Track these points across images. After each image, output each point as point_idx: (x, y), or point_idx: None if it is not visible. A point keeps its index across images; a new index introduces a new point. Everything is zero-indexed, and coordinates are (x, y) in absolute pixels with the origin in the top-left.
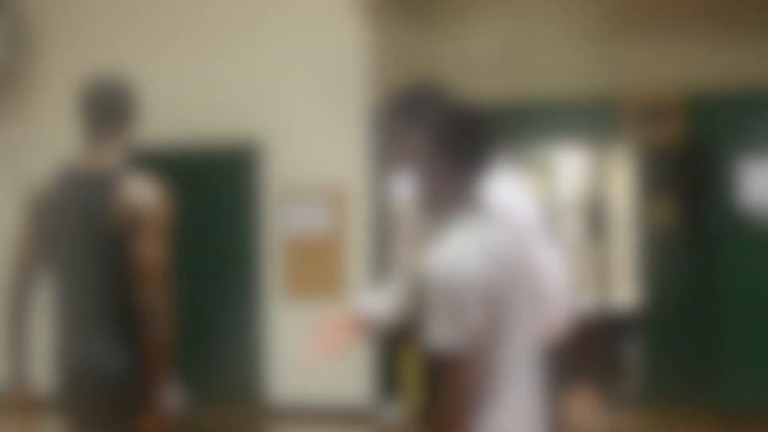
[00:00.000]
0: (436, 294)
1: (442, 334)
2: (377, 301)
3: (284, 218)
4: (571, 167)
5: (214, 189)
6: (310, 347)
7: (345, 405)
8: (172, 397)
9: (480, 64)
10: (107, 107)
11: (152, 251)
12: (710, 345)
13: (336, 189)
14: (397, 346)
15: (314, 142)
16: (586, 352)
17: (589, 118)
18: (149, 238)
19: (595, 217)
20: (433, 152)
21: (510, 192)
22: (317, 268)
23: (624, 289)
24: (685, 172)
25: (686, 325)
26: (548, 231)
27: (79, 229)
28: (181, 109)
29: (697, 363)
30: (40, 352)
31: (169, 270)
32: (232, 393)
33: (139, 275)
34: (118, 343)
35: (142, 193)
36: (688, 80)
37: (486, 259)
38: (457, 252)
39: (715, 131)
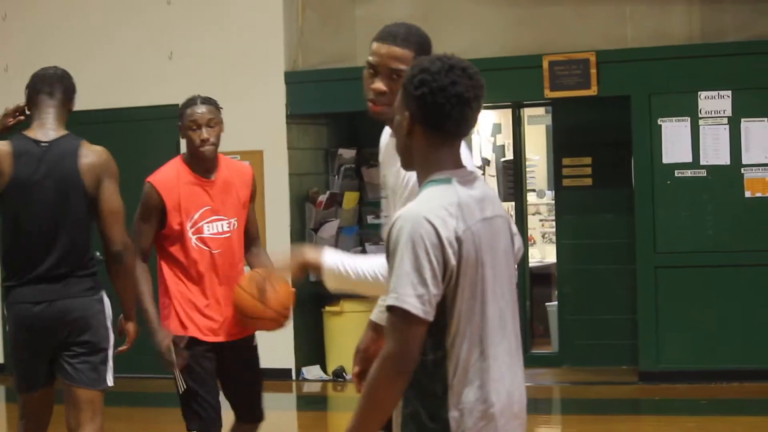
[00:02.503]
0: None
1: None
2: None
3: None
4: (489, 125)
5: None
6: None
7: (270, 368)
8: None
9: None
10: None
11: (116, 199)
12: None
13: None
14: (320, 307)
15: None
16: None
17: (508, 77)
18: (111, 188)
19: (513, 175)
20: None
21: None
22: None
23: (542, 249)
24: (602, 129)
25: (608, 283)
26: None
27: (50, 185)
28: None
29: (616, 323)
30: None
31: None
32: None
33: (107, 218)
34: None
35: (101, 154)
36: (603, 37)
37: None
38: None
39: (630, 86)
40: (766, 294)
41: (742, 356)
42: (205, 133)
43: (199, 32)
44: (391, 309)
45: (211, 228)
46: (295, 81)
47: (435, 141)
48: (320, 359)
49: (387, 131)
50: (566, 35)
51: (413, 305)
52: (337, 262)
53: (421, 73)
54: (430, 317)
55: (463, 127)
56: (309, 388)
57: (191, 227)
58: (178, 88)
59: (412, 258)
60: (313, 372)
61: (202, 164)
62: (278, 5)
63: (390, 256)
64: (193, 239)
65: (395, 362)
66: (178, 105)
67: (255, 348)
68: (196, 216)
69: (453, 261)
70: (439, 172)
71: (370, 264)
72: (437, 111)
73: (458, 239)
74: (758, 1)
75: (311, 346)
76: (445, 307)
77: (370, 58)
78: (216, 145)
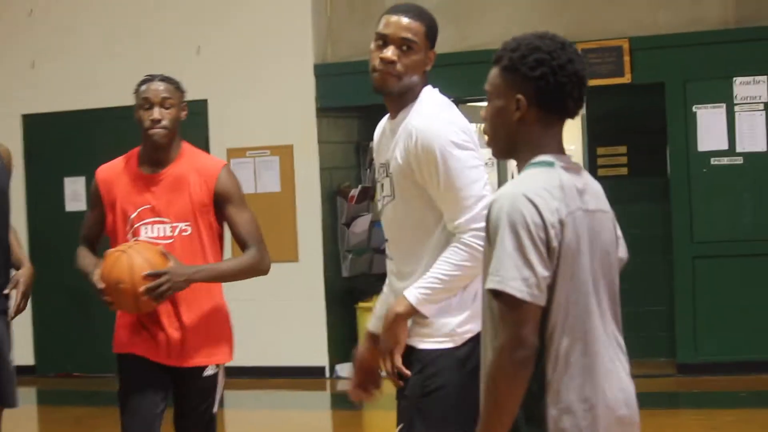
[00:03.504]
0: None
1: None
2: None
3: None
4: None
5: None
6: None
7: (303, 366)
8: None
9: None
10: None
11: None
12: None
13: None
14: (354, 303)
15: (261, 99)
16: None
17: None
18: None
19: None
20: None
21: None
22: (269, 228)
23: None
24: (636, 117)
25: (644, 274)
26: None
27: None
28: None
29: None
30: None
31: None
32: None
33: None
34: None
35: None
36: (635, 23)
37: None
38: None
39: (664, 73)
40: None
41: None
42: (156, 113)
43: (227, 25)
44: (495, 295)
45: (149, 231)
46: (324, 74)
47: (546, 124)
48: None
49: (385, 119)
50: (598, 22)
51: (518, 289)
52: (417, 294)
53: (534, 52)
54: (541, 301)
55: (579, 106)
56: (344, 386)
57: (129, 228)
58: (206, 83)
59: (513, 239)
60: (347, 369)
61: (152, 154)
62: None
63: (490, 240)
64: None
65: (510, 352)
66: (206, 100)
67: (208, 378)
68: (133, 216)
69: (555, 243)
70: (542, 155)
71: (440, 262)
72: (559, 91)
73: (561, 222)
74: None
75: (345, 342)
76: None
77: (381, 29)
78: (168, 129)
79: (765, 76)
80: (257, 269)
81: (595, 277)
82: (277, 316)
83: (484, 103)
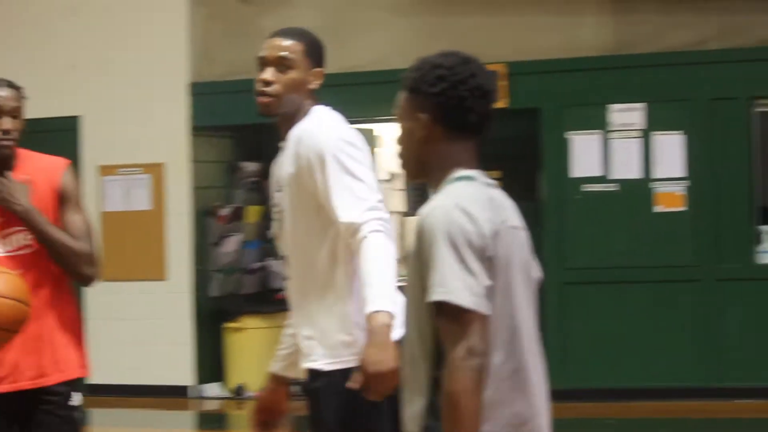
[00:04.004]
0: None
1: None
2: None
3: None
4: (393, 139)
5: None
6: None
7: (168, 385)
8: None
9: None
10: None
11: None
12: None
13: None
14: (220, 323)
15: (135, 116)
16: None
17: None
18: None
19: (417, 189)
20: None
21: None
22: (138, 246)
23: None
24: (511, 142)
25: None
26: None
27: None
28: None
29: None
30: None
31: None
32: None
33: None
34: None
35: None
36: (513, 48)
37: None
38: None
39: (540, 99)
40: (676, 310)
41: (652, 374)
42: (8, 122)
43: (103, 42)
44: (440, 307)
45: (6, 244)
46: (199, 92)
47: (454, 141)
48: (220, 376)
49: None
50: (476, 46)
51: (465, 298)
52: (382, 300)
53: (435, 68)
54: (487, 309)
55: (485, 121)
56: (208, 405)
57: None
58: (80, 99)
59: (452, 250)
60: (213, 389)
61: None
62: (182, 15)
63: (423, 254)
64: None
65: (466, 363)
66: (79, 117)
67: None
68: None
69: (490, 253)
70: (460, 170)
71: (368, 265)
72: (459, 105)
73: (494, 233)
74: (670, 13)
75: (212, 362)
76: None
77: (260, 53)
78: (17, 141)
79: (641, 104)
80: (82, 261)
81: (523, 293)
82: (144, 334)
83: (364, 125)
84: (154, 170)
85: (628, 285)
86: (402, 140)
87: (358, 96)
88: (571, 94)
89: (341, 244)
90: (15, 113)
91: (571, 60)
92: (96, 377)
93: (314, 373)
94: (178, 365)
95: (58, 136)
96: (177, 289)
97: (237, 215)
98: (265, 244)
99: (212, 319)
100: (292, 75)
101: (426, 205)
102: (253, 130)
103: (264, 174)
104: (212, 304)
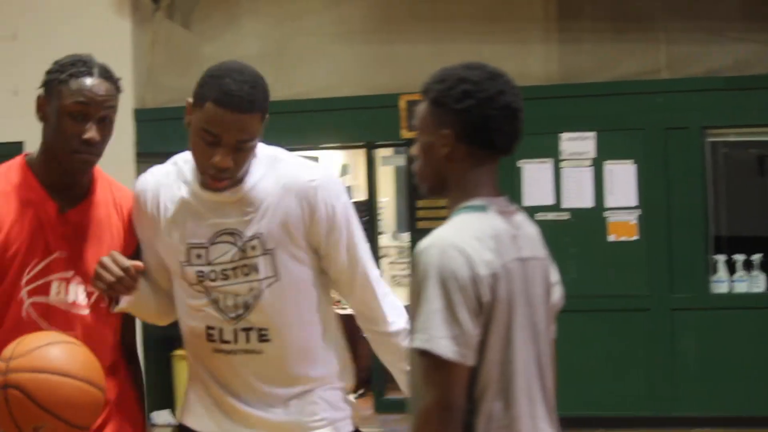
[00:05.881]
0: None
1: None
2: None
3: None
4: (339, 165)
5: None
6: None
7: None
8: None
9: (249, 61)
10: None
11: None
12: None
13: None
14: (169, 351)
15: None
16: None
17: (364, 116)
18: None
19: (367, 217)
20: None
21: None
22: None
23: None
24: None
25: None
26: None
27: None
28: None
29: None
30: None
31: None
32: None
33: None
34: None
35: None
36: None
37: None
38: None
39: None
40: (629, 339)
41: (604, 403)
42: (93, 130)
43: (46, 68)
44: (421, 353)
45: (59, 291)
46: (144, 119)
47: (478, 161)
48: (170, 403)
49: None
50: (423, 74)
51: (446, 347)
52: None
53: (461, 83)
54: (470, 361)
55: (512, 141)
56: None
57: (25, 284)
58: (23, 125)
59: (442, 294)
60: (162, 417)
61: (67, 177)
62: (127, 42)
63: (415, 292)
64: (25, 304)
65: (437, 414)
66: (23, 142)
67: None
68: (39, 267)
69: (487, 298)
70: (475, 198)
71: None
72: (486, 125)
73: (494, 275)
74: (620, 41)
75: (160, 390)
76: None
77: (210, 127)
78: (100, 156)
79: (592, 132)
80: None
81: (526, 333)
82: None
83: (307, 152)
84: None
85: (580, 314)
86: (421, 154)
87: (302, 124)
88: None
89: (330, 311)
90: (105, 116)
91: (521, 88)
92: None
93: None
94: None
95: (2, 161)
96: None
97: None
98: None
99: (161, 346)
100: (252, 148)
101: (427, 237)
102: None
103: None
104: (160, 332)
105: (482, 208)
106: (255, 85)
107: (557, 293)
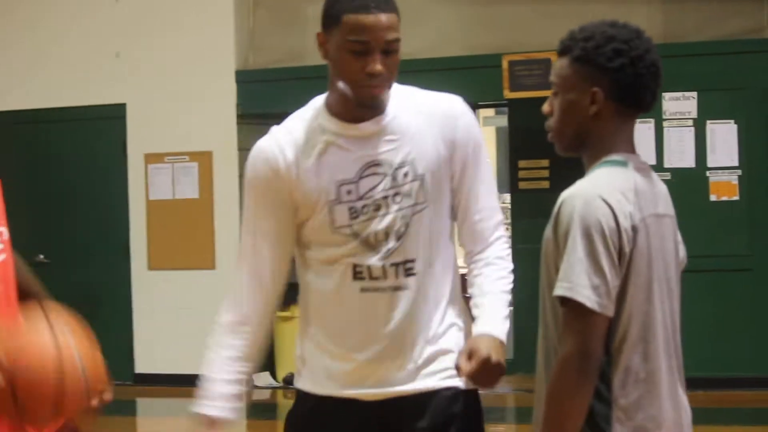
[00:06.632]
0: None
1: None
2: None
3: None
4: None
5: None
6: None
7: None
8: None
9: None
10: None
11: None
12: None
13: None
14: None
15: (181, 104)
16: None
17: (467, 77)
18: None
19: None
20: None
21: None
22: (185, 235)
23: None
24: None
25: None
26: None
27: None
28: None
29: None
30: None
31: None
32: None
33: None
34: None
35: None
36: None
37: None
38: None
39: None
40: (732, 299)
41: (709, 364)
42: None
43: (147, 31)
44: (563, 301)
45: None
46: (246, 80)
47: (622, 119)
48: (270, 366)
49: (304, 129)
50: (526, 34)
51: (588, 297)
52: (503, 331)
53: (611, 41)
54: (609, 311)
55: (655, 99)
56: (259, 395)
57: None
58: (125, 87)
59: (586, 243)
60: (263, 379)
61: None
62: (229, 3)
63: (558, 239)
64: None
65: (576, 363)
66: (125, 104)
67: None
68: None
69: (627, 249)
70: (614, 154)
71: (498, 286)
72: (636, 83)
73: (634, 228)
74: (721, 1)
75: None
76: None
77: (356, 37)
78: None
79: (695, 92)
80: None
81: (662, 288)
82: (193, 324)
83: None
84: (202, 158)
85: (682, 274)
86: (560, 111)
87: (404, 84)
88: None
89: (452, 246)
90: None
91: None
92: (143, 366)
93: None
94: None
95: (105, 123)
96: (226, 279)
97: None
98: None
99: None
100: (398, 54)
101: (569, 188)
102: None
103: None
104: None
105: (623, 163)
106: None
107: (682, 252)
